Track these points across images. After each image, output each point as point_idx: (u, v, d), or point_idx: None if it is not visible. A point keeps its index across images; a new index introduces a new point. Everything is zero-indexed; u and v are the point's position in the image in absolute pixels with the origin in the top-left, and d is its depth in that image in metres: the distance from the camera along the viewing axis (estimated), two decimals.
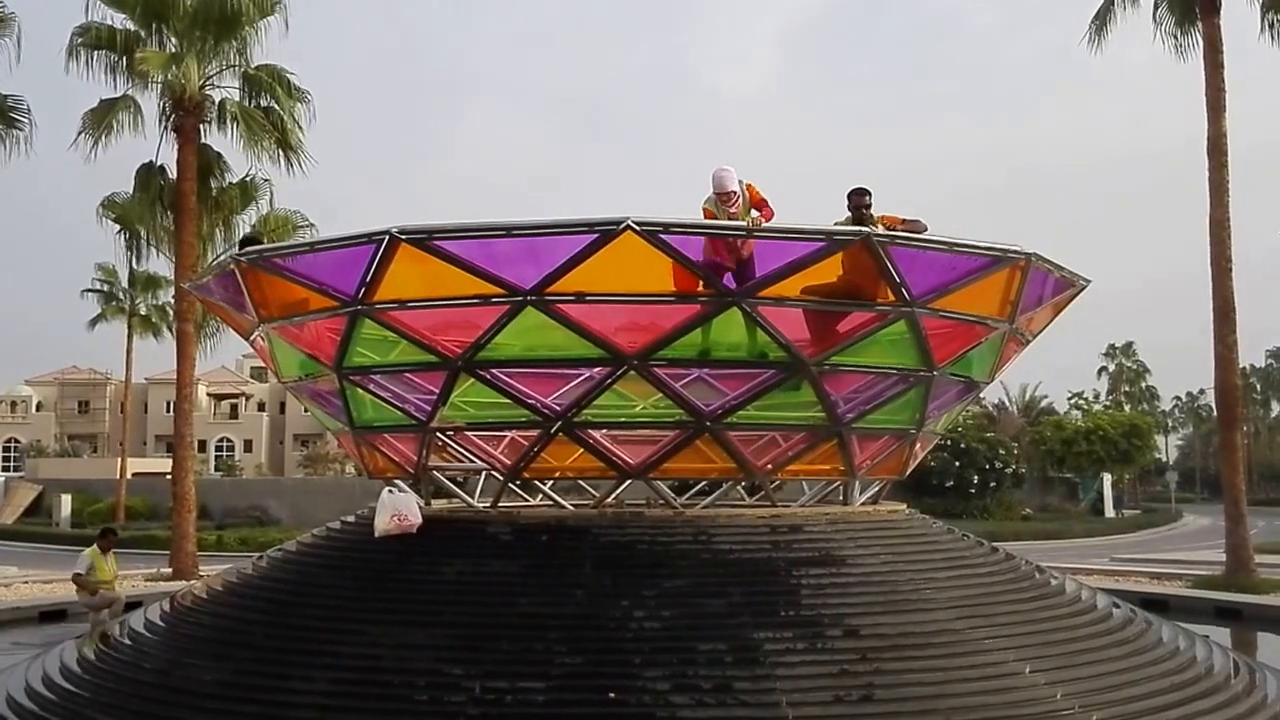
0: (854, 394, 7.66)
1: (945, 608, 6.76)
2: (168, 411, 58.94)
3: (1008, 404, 55.19)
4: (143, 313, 35.36)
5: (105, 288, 35.64)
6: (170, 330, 32.83)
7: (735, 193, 7.18)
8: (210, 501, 31.03)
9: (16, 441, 63.61)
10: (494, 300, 6.70)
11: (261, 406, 67.92)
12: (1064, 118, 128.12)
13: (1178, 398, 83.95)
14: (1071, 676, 6.30)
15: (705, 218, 7.34)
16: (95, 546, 11.66)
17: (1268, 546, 21.24)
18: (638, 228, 6.26)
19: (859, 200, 7.48)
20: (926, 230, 7.17)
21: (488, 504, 8.20)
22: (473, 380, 7.31)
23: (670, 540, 7.18)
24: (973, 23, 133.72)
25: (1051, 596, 7.73)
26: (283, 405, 66.93)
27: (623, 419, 7.97)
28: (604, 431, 7.83)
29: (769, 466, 7.95)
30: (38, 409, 66.32)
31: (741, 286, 6.86)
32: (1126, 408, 61.63)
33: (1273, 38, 17.71)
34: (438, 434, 7.77)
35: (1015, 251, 7.26)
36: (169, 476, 23.25)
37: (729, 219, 7.15)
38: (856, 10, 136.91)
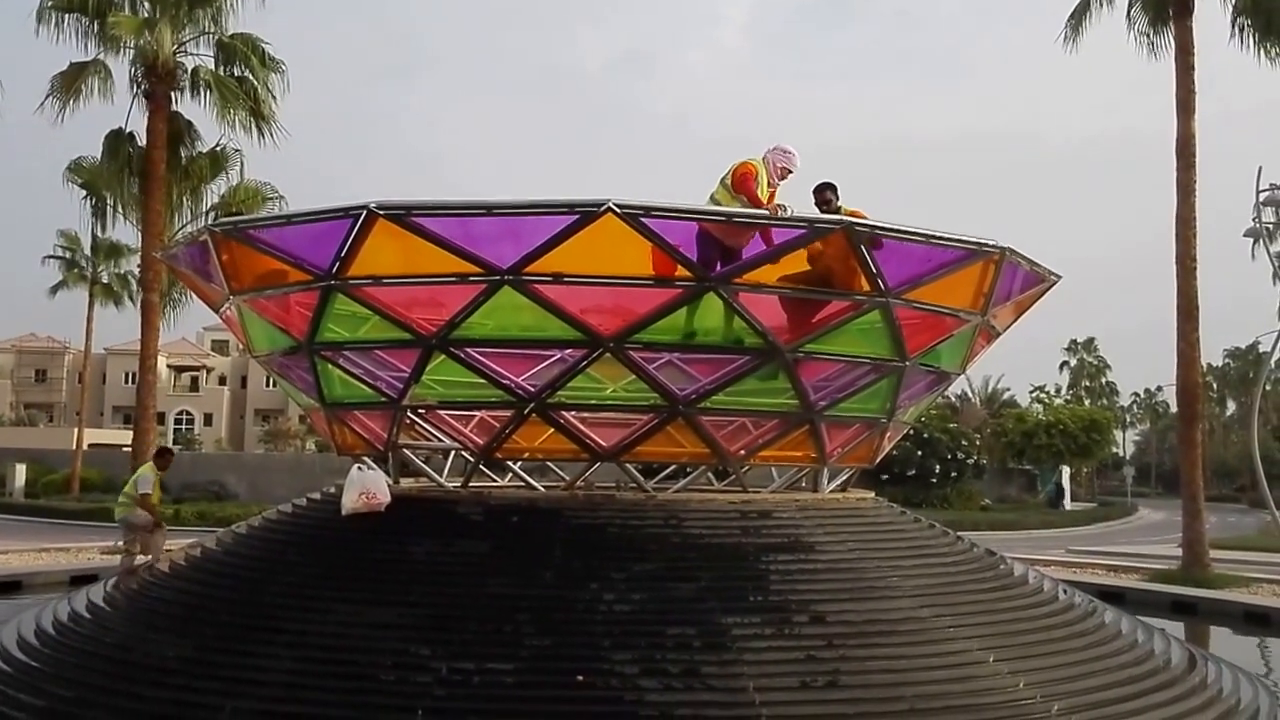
0: (826, 381, 7.69)
1: (910, 595, 6.83)
2: (126, 382, 57.95)
3: (971, 396, 55.86)
4: (105, 281, 34.57)
5: (67, 254, 34.76)
6: (133, 299, 32.23)
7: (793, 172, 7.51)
8: (168, 475, 30.43)
9: None
10: (471, 279, 6.63)
11: (223, 380, 66.88)
12: (1029, 98, 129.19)
13: (1136, 394, 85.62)
14: (1033, 666, 6.39)
15: (736, 175, 7.32)
16: (151, 464, 11.05)
17: (1222, 542, 21.62)
18: (619, 210, 6.22)
19: (823, 195, 7.52)
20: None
21: (457, 484, 8.16)
22: (444, 358, 7.23)
23: (641, 524, 7.18)
24: (940, 10, 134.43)
25: (1014, 587, 7.85)
26: (244, 379, 65.98)
27: (594, 401, 7.93)
28: (575, 413, 7.80)
29: (742, 452, 7.97)
30: None
31: (722, 271, 6.86)
32: (1086, 402, 62.75)
33: (1242, 41, 17.99)
34: (408, 412, 7.69)
35: (990, 245, 7.33)
36: (126, 448, 22.85)
37: (770, 196, 7.28)
38: None
